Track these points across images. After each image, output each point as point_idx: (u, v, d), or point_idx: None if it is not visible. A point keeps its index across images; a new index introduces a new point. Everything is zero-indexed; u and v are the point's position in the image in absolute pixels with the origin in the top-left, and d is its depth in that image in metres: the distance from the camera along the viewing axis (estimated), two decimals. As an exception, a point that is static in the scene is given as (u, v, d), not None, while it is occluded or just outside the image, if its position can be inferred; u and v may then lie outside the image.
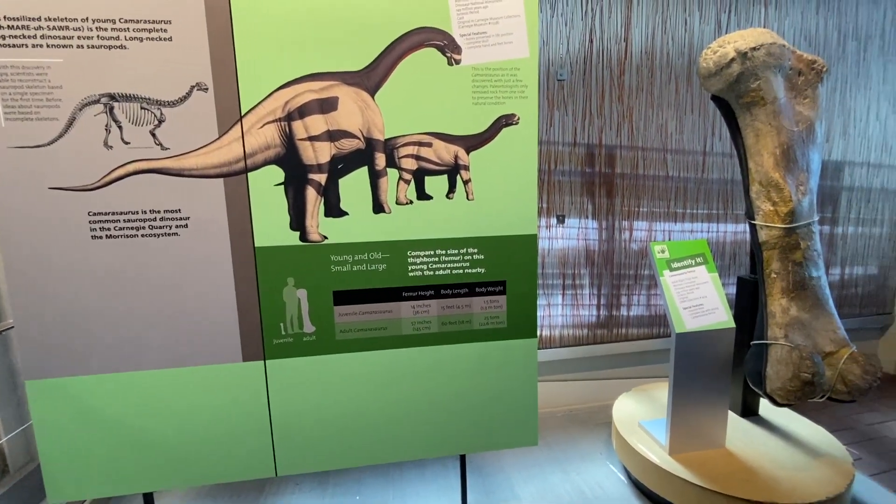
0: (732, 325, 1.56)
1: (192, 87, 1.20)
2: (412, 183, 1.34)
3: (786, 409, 1.89)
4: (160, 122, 1.20)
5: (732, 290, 1.95)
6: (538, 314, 2.21)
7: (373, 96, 1.28)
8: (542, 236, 2.17)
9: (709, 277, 1.59)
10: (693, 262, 1.59)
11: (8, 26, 1.12)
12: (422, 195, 1.35)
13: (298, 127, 1.26)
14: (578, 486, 1.77)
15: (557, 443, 2.05)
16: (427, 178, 1.34)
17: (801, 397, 1.49)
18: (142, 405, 1.30)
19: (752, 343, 1.65)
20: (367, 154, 1.31)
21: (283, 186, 1.28)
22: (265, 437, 1.38)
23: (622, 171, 2.20)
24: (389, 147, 1.31)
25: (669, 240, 2.31)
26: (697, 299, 1.55)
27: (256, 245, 1.29)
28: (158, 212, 1.23)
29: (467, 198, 1.36)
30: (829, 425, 2.31)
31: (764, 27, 2.26)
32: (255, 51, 1.21)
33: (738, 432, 1.74)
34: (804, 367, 1.46)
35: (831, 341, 1.54)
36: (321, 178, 1.29)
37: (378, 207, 1.33)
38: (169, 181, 1.23)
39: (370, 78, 1.27)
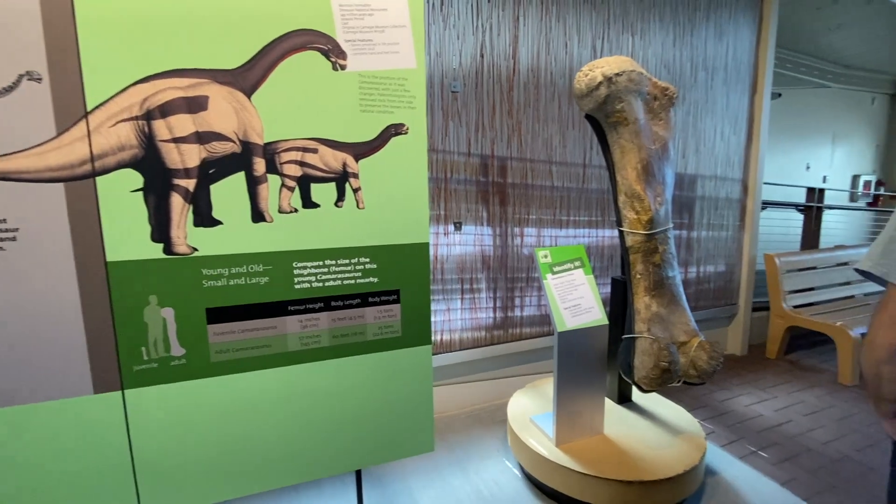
0: (606, 322, 1.72)
1: (21, 76, 1.02)
2: (296, 190, 1.28)
3: (653, 394, 2.13)
4: (-26, 114, 1.00)
5: (609, 289, 2.16)
6: (438, 319, 2.25)
7: (249, 97, 1.20)
8: (439, 243, 2.21)
9: (585, 279, 1.73)
10: (572, 265, 1.73)
11: None
12: (308, 203, 1.29)
13: (160, 127, 1.13)
14: (476, 485, 1.82)
15: (459, 444, 2.10)
16: (314, 186, 1.29)
17: (662, 383, 1.69)
18: (-47, 457, 1.07)
19: (622, 337, 1.83)
20: (243, 158, 1.22)
21: (142, 193, 1.14)
22: (126, 479, 1.21)
23: (513, 180, 2.33)
24: (270, 152, 1.24)
25: (556, 244, 2.49)
26: (576, 300, 1.68)
27: (108, 259, 1.13)
28: (-27, 222, 1.03)
29: (358, 206, 1.34)
30: (688, 405, 2.65)
31: (631, 55, 2.55)
32: (105, 39, 1.07)
33: (614, 418, 1.91)
34: (662, 356, 1.66)
35: (684, 332, 1.76)
36: (189, 183, 1.17)
37: (258, 216, 1.25)
38: (-12, 185, 1.03)
39: (246, 78, 1.19)
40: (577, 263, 1.74)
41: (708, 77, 2.89)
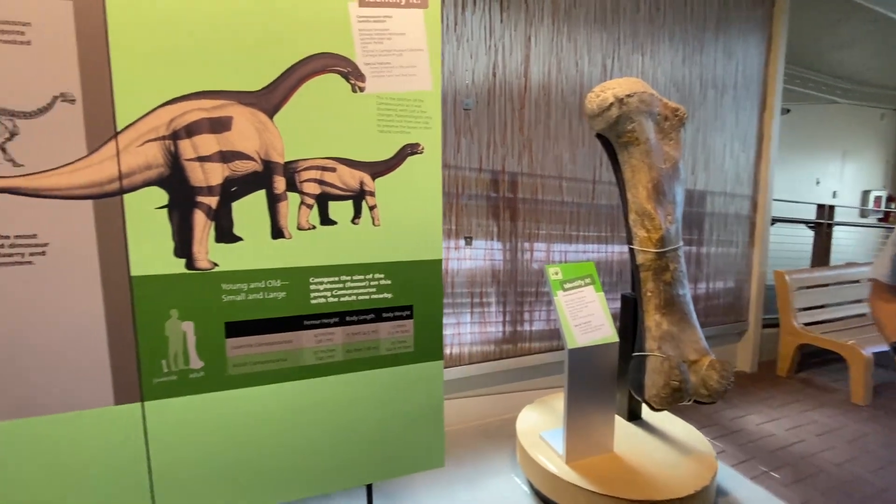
0: (616, 339, 1.72)
1: (55, 98, 1.07)
2: (315, 208, 1.31)
3: (663, 412, 2.12)
4: (13, 135, 1.05)
5: (618, 304, 2.16)
6: (448, 333, 2.26)
7: (271, 118, 1.24)
8: (450, 257, 2.23)
9: (596, 297, 1.74)
10: (582, 282, 1.74)
11: None
12: (325, 220, 1.32)
13: (186, 146, 1.17)
14: (485, 501, 1.82)
15: (467, 459, 2.09)
16: (331, 204, 1.32)
17: (672, 402, 1.69)
18: (-22, 466, 1.09)
19: (633, 355, 1.83)
20: (264, 177, 1.25)
21: (166, 210, 1.18)
22: (143, 488, 1.23)
23: (524, 196, 2.35)
24: (290, 170, 1.27)
25: (565, 259, 2.51)
26: (586, 317, 1.69)
27: (133, 274, 1.16)
28: (7, 237, 1.06)
29: (373, 223, 1.36)
30: (698, 423, 2.63)
31: (641, 73, 2.58)
32: (136, 62, 1.11)
33: (624, 436, 1.91)
34: (673, 375, 1.66)
35: (695, 351, 1.76)
36: (212, 200, 1.21)
37: (277, 233, 1.28)
38: (21, 202, 1.07)
39: (268, 99, 1.23)
40: (587, 280, 1.75)
41: (717, 95, 2.91)
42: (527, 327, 2.45)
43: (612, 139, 1.75)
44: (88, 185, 1.11)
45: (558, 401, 2.22)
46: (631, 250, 1.80)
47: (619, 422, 2.02)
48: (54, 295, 1.11)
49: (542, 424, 1.99)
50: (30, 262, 1.08)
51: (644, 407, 2.10)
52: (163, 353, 1.21)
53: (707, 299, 3.13)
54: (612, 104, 1.65)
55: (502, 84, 2.23)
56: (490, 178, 2.27)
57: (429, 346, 1.48)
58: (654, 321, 1.74)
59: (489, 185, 2.27)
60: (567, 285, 1.71)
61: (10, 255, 1.07)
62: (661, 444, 1.86)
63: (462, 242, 2.24)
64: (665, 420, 2.07)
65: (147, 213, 1.16)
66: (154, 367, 1.21)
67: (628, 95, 1.65)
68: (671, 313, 1.75)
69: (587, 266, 1.77)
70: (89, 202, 1.11)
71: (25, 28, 1.04)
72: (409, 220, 1.40)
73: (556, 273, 1.71)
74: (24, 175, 1.06)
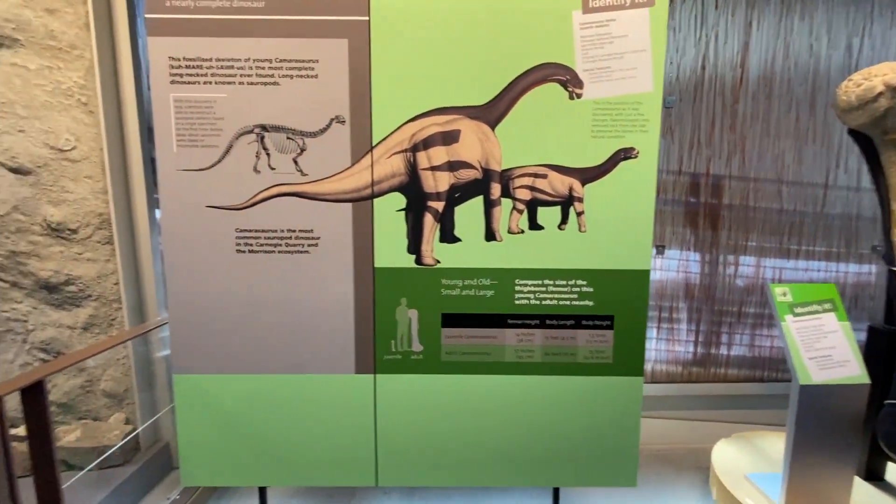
0: (867, 380, 1.41)
1: (332, 120, 1.32)
2: (525, 213, 1.36)
3: (923, 480, 1.67)
4: (302, 150, 1.33)
5: (859, 336, 1.77)
6: (629, 346, 2.14)
7: (493, 129, 1.33)
8: (637, 266, 2.10)
9: (838, 326, 1.45)
10: (820, 307, 1.47)
11: (186, 66, 1.29)
12: (534, 225, 1.37)
13: (422, 157, 1.34)
14: (672, 534, 1.67)
15: (649, 484, 1.96)
16: (540, 209, 1.36)
17: (954, 472, 1.31)
18: (263, 406, 1.42)
19: (886, 402, 1.48)
20: (483, 184, 1.35)
21: (403, 212, 1.36)
22: (369, 447, 1.45)
23: (730, 202, 2.08)
24: (505, 178, 1.35)
25: (780, 278, 2.15)
26: (825, 349, 1.42)
27: (376, 265, 1.37)
28: (294, 231, 1.36)
29: (579, 229, 1.36)
30: (974, 503, 2.00)
31: (904, 51, 2.06)
32: (389, 88, 1.31)
33: (862, 497, 1.56)
34: (962, 438, 1.28)
35: None
36: (439, 205, 1.35)
37: (490, 235, 1.37)
38: (305, 204, 1.34)
39: (492, 112, 1.32)
40: (826, 306, 1.47)
41: None
42: (723, 351, 2.18)
43: (875, 136, 1.43)
44: (350, 191, 1.34)
45: (762, 439, 1.91)
46: (892, 273, 1.45)
47: (855, 480, 1.65)
48: (321, 279, 1.37)
49: (744, 464, 1.75)
50: (307, 252, 1.36)
51: (890, 466, 1.68)
52: (392, 334, 1.40)
53: None
54: (880, 94, 1.35)
55: (712, 78, 2.01)
56: (690, 182, 2.07)
57: (628, 361, 1.42)
58: (926, 365, 1.37)
59: (688, 189, 2.07)
60: (799, 309, 1.46)
61: (295, 245, 1.36)
62: (924, 520, 1.47)
63: (653, 251, 2.09)
64: (926, 491, 1.62)
65: (389, 215, 1.35)
66: (385, 346, 1.41)
67: (906, 82, 1.33)
68: (955, 358, 1.36)
69: (827, 288, 1.48)
70: (349, 205, 1.35)
71: (314, 64, 1.30)
72: (616, 227, 1.36)
73: (784, 294, 1.47)
74: (308, 182, 1.34)
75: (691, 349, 2.16)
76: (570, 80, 1.31)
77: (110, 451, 1.73)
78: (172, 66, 1.29)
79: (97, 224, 1.79)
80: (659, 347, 2.15)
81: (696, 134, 2.03)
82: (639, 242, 1.37)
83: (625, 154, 1.33)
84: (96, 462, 1.70)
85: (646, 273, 1.38)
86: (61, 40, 1.69)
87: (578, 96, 1.31)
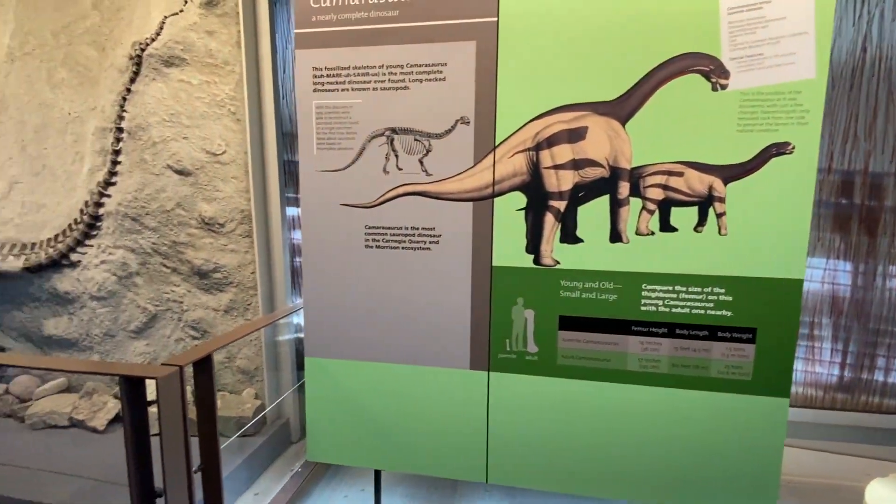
0: None
1: (457, 121, 1.35)
2: (656, 213, 1.29)
3: None
4: (428, 151, 1.38)
5: None
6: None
7: (623, 125, 1.27)
8: (771, 275, 1.88)
9: None
10: None
11: (326, 75, 1.40)
12: (666, 226, 1.28)
13: (545, 156, 1.32)
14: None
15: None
16: (674, 209, 1.27)
17: None
18: (384, 393, 1.50)
19: None
20: (610, 182, 1.30)
21: (523, 211, 1.35)
22: (481, 443, 1.46)
23: (894, 204, 1.79)
24: (635, 176, 1.28)
25: (963, 295, 1.80)
26: None
27: (494, 264, 1.38)
28: (417, 228, 1.41)
29: (719, 232, 1.25)
30: None
31: None
32: (515, 87, 1.30)
33: None
34: None
35: None
36: (561, 205, 1.33)
37: (615, 236, 1.31)
38: (428, 203, 1.39)
39: (623, 107, 1.26)
40: None
41: None
42: (878, 377, 1.87)
43: None
44: (471, 190, 1.36)
45: (935, 486, 1.61)
46: None
47: None
48: (441, 275, 1.41)
49: (911, 511, 1.49)
50: (428, 249, 1.41)
51: None
52: (507, 333, 1.40)
53: None
54: None
55: (874, 61, 1.73)
56: (841, 181, 1.81)
57: (772, 379, 1.27)
58: None
59: (839, 189, 1.81)
60: None
61: (418, 241, 1.42)
62: None
63: (793, 259, 1.86)
64: None
65: (509, 214, 1.35)
66: (499, 345, 1.41)
67: None
68: None
69: None
70: (470, 204, 1.37)
71: (443, 68, 1.34)
72: (764, 230, 1.23)
73: (983, 315, 1.22)
74: (432, 182, 1.38)
75: (836, 372, 1.89)
76: (713, 70, 1.21)
77: (251, 423, 1.94)
78: (315, 76, 1.41)
79: (240, 219, 2.01)
80: (796, 367, 1.91)
81: (852, 125, 1.77)
82: (791, 247, 1.22)
83: (777, 149, 1.20)
84: (241, 431, 1.90)
85: (799, 283, 1.23)
86: (217, 57, 1.93)
87: (724, 87, 1.21)
